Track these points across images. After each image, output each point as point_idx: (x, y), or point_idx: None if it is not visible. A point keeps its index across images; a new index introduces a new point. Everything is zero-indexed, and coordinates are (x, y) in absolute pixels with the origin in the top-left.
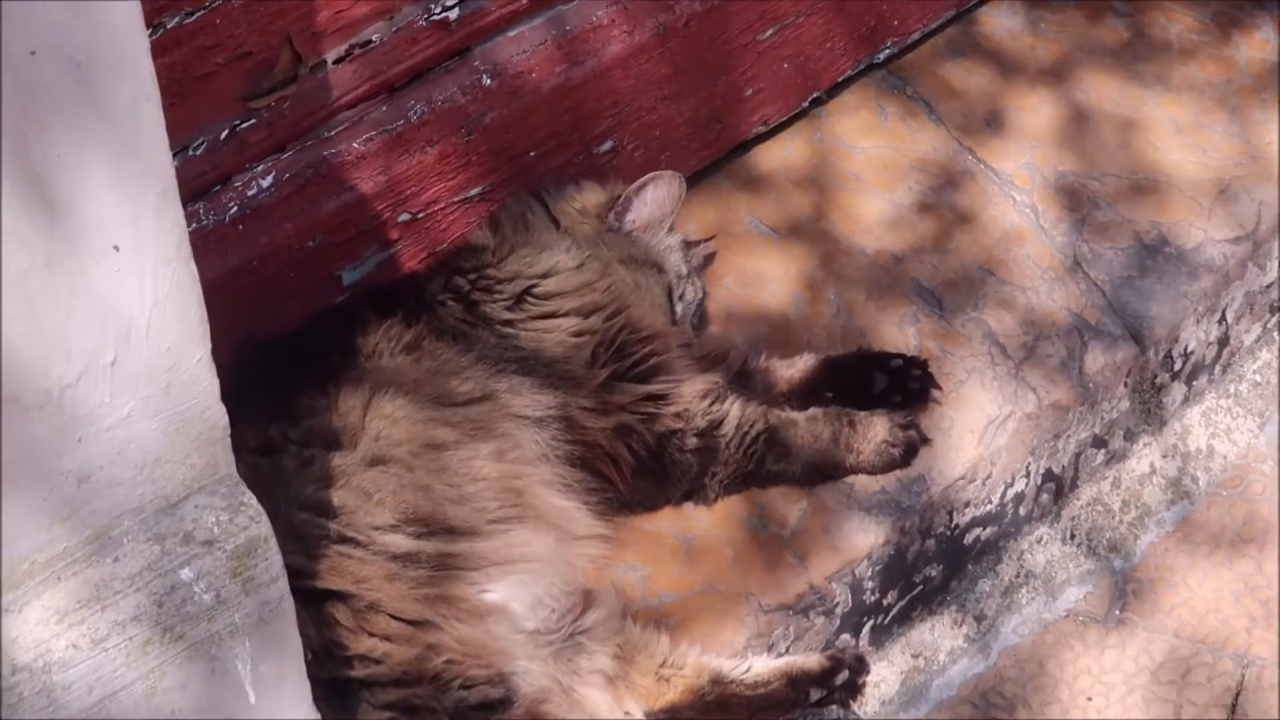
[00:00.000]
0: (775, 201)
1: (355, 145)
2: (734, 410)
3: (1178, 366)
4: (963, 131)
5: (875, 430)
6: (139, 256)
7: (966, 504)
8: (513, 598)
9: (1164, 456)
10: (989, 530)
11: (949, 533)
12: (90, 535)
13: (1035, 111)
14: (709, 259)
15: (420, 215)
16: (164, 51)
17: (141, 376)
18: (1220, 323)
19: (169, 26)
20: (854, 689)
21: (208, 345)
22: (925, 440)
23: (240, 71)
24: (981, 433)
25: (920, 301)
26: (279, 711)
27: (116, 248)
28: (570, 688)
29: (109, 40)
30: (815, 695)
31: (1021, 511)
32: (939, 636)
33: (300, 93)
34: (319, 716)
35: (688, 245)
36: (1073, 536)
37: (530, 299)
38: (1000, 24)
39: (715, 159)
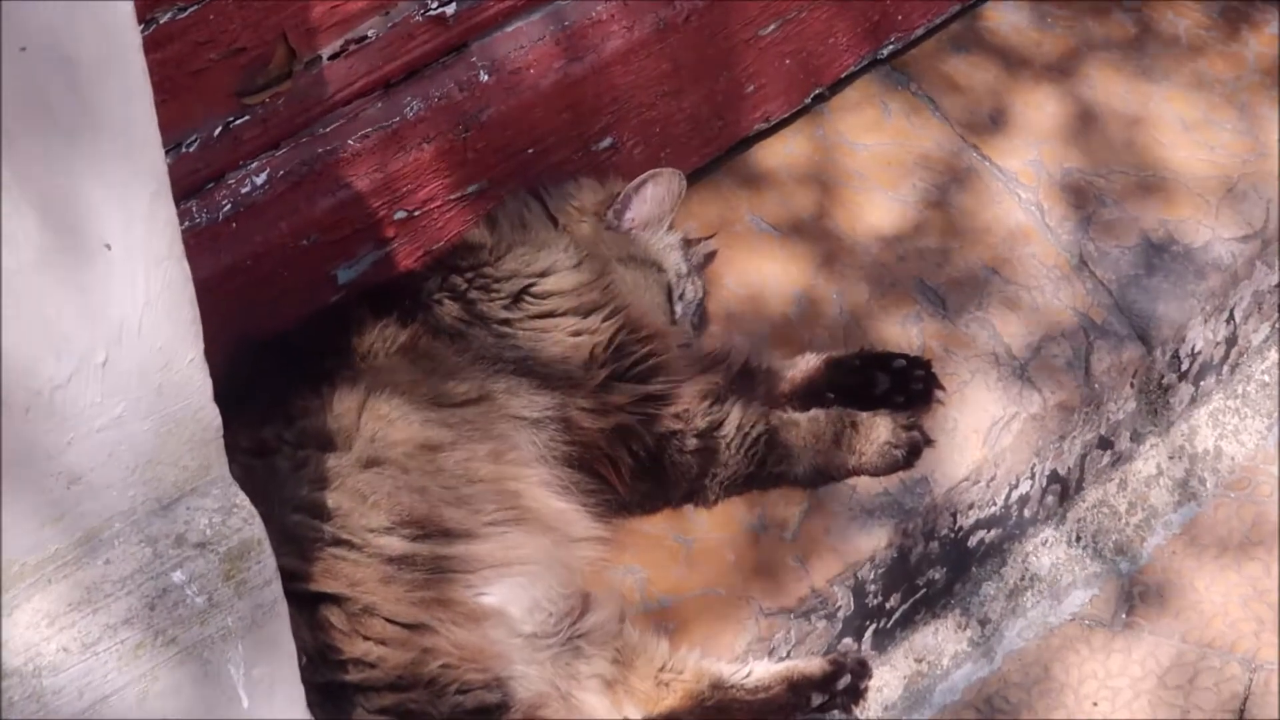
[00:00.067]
0: (777, 199)
1: (351, 142)
2: (734, 411)
3: (1185, 367)
4: (967, 128)
5: (878, 431)
6: (130, 255)
7: (970, 506)
8: (510, 601)
9: (1171, 458)
10: (993, 533)
11: (953, 535)
12: (81, 537)
13: (1041, 108)
14: (709, 257)
15: (416, 213)
16: (156, 47)
17: (133, 377)
18: (1228, 322)
19: (161, 22)
20: (856, 694)
21: (200, 345)
22: (928, 441)
23: (234, 67)
24: (986, 434)
25: (924, 301)
26: (272, 716)
27: (108, 246)
28: (568, 692)
29: (100, 36)
30: (817, 700)
31: (1026, 513)
32: (942, 640)
33: (295, 89)
34: None
35: (687, 243)
36: (1078, 539)
37: (528, 298)
38: (1005, 19)
39: (716, 156)
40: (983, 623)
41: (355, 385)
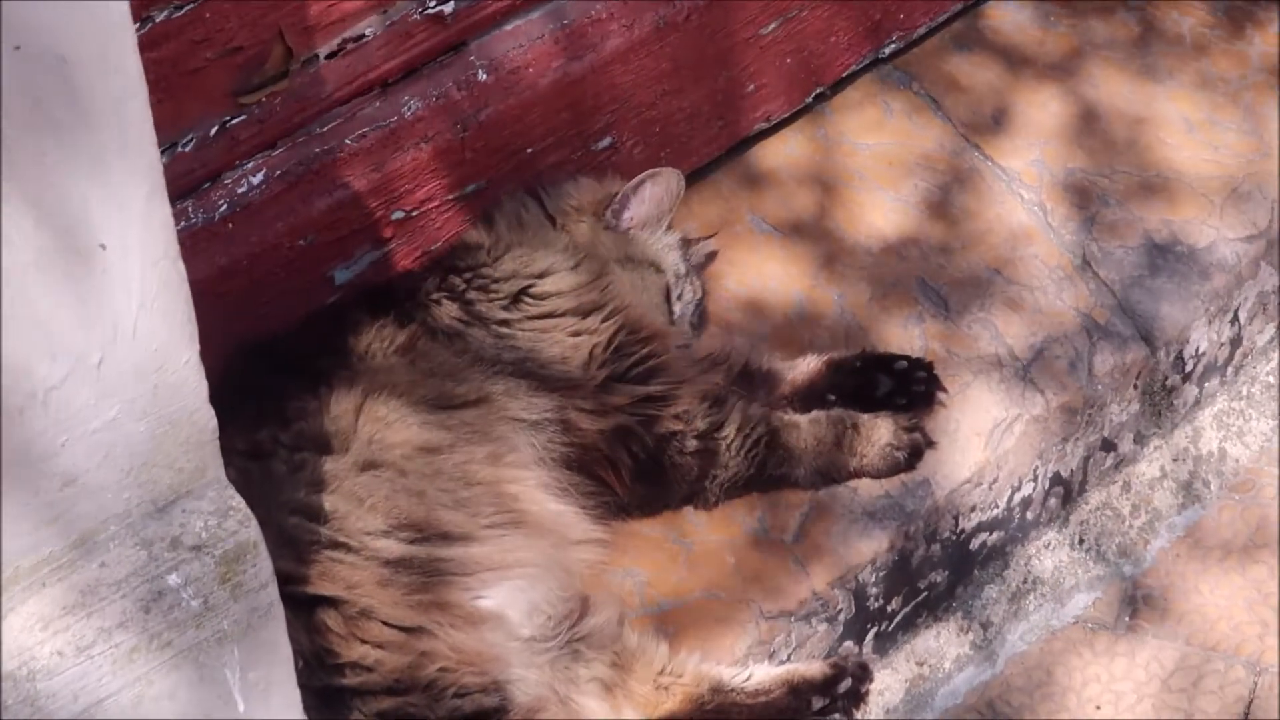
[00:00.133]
0: (778, 199)
1: (348, 142)
2: (735, 412)
3: (1189, 368)
4: (969, 128)
5: (879, 433)
6: (126, 256)
7: (972, 508)
8: (508, 604)
9: (1175, 460)
10: (995, 535)
11: (955, 538)
12: (76, 540)
13: (1044, 107)
14: (709, 258)
15: (414, 213)
16: (152, 46)
17: (129, 378)
18: (1232, 323)
19: (157, 20)
20: (857, 697)
21: (196, 346)
22: (930, 443)
23: (230, 67)
24: (988, 436)
25: (926, 301)
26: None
27: (103, 247)
28: (567, 696)
29: (95, 35)
30: (818, 704)
31: (1029, 516)
32: (944, 644)
33: (292, 88)
34: None
35: (686, 243)
36: (1081, 541)
37: (527, 299)
38: (1008, 18)
39: (716, 156)
40: (985, 626)
41: (352, 387)
